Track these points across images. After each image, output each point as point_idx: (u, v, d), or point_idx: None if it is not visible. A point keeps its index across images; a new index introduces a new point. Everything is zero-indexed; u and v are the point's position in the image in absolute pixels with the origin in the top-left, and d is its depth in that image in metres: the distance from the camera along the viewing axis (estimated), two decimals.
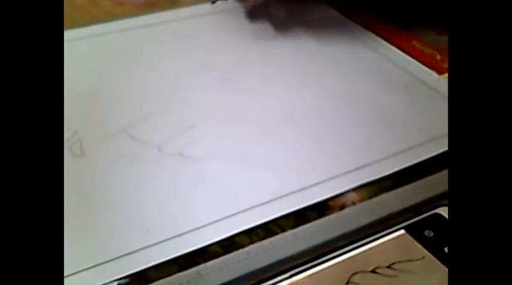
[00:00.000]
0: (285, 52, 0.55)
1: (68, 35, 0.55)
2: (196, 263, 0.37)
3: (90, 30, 0.58)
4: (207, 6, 0.63)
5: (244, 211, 0.40)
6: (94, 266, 0.36)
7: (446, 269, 0.35)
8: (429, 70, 0.54)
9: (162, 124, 0.47)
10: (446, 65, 0.54)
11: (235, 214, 0.40)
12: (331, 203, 0.41)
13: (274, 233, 0.39)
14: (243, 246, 0.38)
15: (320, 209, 0.40)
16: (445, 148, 0.44)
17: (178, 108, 0.48)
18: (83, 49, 0.56)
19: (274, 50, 0.55)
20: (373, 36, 0.58)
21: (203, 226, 0.39)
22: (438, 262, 0.35)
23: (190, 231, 0.38)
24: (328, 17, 0.59)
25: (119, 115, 0.47)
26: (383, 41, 0.58)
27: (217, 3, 0.61)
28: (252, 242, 0.38)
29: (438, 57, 0.56)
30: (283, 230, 0.39)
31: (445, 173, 0.43)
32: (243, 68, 0.53)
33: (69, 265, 0.35)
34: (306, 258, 0.36)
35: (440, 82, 0.52)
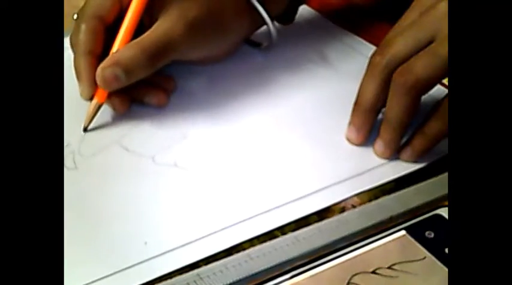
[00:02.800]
0: (279, 61, 0.55)
1: None
2: (197, 266, 0.37)
3: None
4: None
5: (244, 220, 0.40)
6: (93, 281, 0.36)
7: (447, 270, 0.35)
8: None
9: (155, 134, 0.47)
10: None
11: (235, 224, 0.39)
12: (331, 206, 0.41)
13: (275, 236, 0.39)
14: (243, 249, 0.38)
15: (321, 212, 0.40)
16: (445, 151, 0.44)
17: (171, 117, 0.48)
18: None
19: (269, 59, 0.55)
20: (366, 43, 0.57)
21: (203, 237, 0.38)
22: (439, 263, 0.35)
23: (190, 242, 0.38)
24: (321, 27, 0.60)
25: (112, 126, 0.47)
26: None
27: None
28: (253, 245, 0.38)
29: None
30: (283, 233, 0.39)
31: (445, 176, 0.43)
32: (238, 76, 0.53)
33: (68, 280, 0.34)
34: (307, 261, 0.36)
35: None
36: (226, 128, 0.47)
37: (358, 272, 0.35)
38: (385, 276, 0.35)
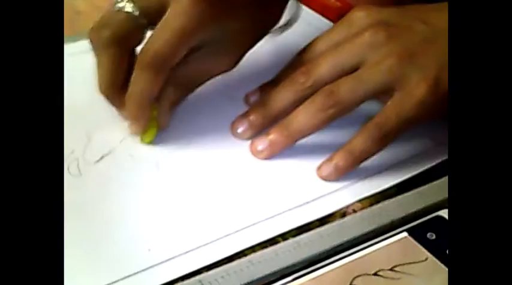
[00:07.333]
0: (280, 64, 0.55)
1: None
2: (199, 272, 0.36)
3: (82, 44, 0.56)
4: None
5: (247, 227, 0.40)
6: None
7: None
8: None
9: (159, 141, 0.46)
10: None
11: (239, 231, 0.39)
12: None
13: (276, 242, 0.38)
14: (245, 254, 0.38)
15: (322, 217, 0.40)
16: (444, 155, 0.44)
17: (174, 124, 0.48)
18: (78, 63, 0.52)
19: (269, 61, 0.55)
20: None
21: (206, 244, 0.38)
22: (440, 264, 0.35)
23: (194, 249, 0.38)
24: (323, 29, 0.60)
25: (115, 132, 0.46)
26: None
27: None
28: (254, 251, 0.38)
29: None
30: (285, 239, 0.39)
31: (445, 180, 0.43)
32: (239, 81, 0.53)
33: None
34: (308, 265, 0.36)
35: None
36: (229, 135, 0.47)
37: (359, 274, 0.35)
38: (387, 278, 0.35)
